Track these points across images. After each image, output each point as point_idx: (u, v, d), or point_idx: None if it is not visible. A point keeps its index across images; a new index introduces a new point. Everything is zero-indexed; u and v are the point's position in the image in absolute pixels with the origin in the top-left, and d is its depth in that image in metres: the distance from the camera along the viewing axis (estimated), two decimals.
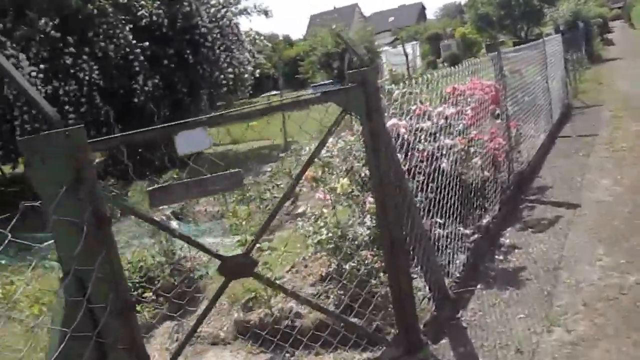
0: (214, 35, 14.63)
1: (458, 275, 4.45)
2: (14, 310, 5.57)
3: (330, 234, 4.24)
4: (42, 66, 11.14)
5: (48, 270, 7.29)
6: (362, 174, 4.92)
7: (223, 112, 3.06)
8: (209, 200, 8.52)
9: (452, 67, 5.59)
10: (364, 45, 30.19)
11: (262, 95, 37.38)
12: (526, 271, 4.56)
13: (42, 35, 11.07)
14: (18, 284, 6.64)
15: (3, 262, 7.82)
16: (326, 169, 4.43)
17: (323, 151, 4.51)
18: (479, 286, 4.48)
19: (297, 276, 4.99)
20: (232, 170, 3.08)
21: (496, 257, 5.00)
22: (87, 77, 11.85)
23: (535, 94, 8.82)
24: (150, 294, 4.92)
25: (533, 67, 9.03)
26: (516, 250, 5.05)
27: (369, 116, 3.13)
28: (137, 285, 5.01)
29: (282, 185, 7.93)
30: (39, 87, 11.00)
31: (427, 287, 4.00)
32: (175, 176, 9.04)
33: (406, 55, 23.92)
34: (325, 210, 4.66)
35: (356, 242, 4.18)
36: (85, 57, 11.81)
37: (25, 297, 5.86)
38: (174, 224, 5.49)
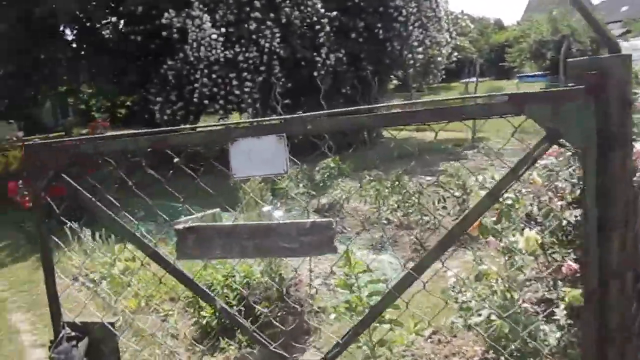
0: (410, 9, 13.10)
1: None
2: (114, 297, 4.95)
3: (492, 321, 2.67)
4: (223, 29, 10.78)
5: None
6: (565, 222, 3.23)
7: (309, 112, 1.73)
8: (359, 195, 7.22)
9: None
10: (588, 36, 26.04)
11: (461, 81, 34.92)
12: None
13: None
14: (138, 262, 6.14)
15: (143, 229, 7.47)
16: (503, 214, 2.82)
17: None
18: None
19: (437, 350, 3.49)
20: (320, 220, 1.73)
21: None
22: (268, 45, 11.27)
23: None
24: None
25: None
26: None
27: (603, 155, 1.51)
28: (235, 310, 3.94)
29: (452, 196, 6.31)
30: (219, 51, 10.68)
31: None
32: (332, 165, 7.94)
33: None
34: (493, 268, 3.07)
35: (536, 343, 2.54)
36: (269, 23, 11.21)
37: (138, 281, 5.25)
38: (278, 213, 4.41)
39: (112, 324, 1.98)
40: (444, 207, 6.19)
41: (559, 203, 3.42)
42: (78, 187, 1.97)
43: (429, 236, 5.92)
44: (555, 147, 3.08)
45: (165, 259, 1.93)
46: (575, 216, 3.25)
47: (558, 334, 2.46)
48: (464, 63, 32.78)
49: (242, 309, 3.98)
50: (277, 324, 2.92)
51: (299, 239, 1.72)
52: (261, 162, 1.74)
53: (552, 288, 3.47)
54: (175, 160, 1.84)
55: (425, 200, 6.14)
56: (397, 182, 6.80)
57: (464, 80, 34.65)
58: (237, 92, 11.39)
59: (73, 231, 5.88)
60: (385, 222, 6.65)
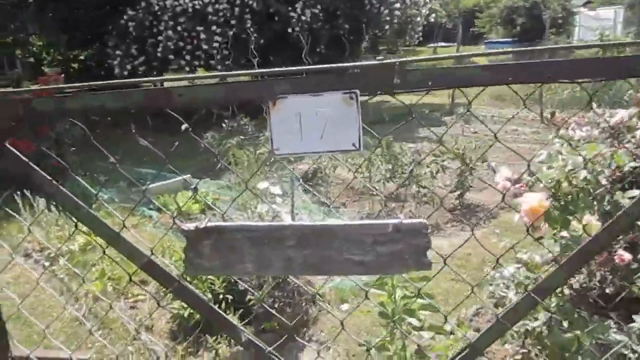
0: None
1: None
2: (73, 279, 4.28)
3: (546, 327, 2.19)
4: None
5: (145, 220, 6.06)
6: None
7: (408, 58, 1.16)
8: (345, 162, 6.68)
9: None
10: (559, 3, 25.82)
11: (429, 45, 34.32)
12: None
13: None
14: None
15: (106, 196, 6.77)
16: (573, 199, 2.31)
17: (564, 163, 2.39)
18: None
19: None
20: (408, 222, 1.16)
21: None
22: None
23: None
24: (233, 314, 3.27)
25: None
26: None
27: None
28: (221, 298, 3.37)
29: (449, 167, 5.84)
30: (186, 1, 9.78)
31: None
32: None
33: None
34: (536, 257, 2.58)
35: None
36: None
37: (102, 261, 4.57)
38: (276, 190, 3.91)
39: None
40: (434, 178, 5.75)
41: (604, 182, 2.97)
42: (28, 161, 1.34)
43: (430, 210, 5.45)
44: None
45: (167, 274, 1.32)
46: (630, 198, 2.80)
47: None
48: (432, 27, 32.16)
49: (230, 296, 3.44)
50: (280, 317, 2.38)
51: (375, 249, 1.14)
52: (319, 133, 1.14)
53: (600, 282, 3.03)
54: (184, 126, 1.24)
55: (424, 171, 5.63)
56: (386, 149, 6.26)
57: (431, 45, 34.09)
58: (205, 46, 10.52)
59: (25, 198, 5.14)
60: (373, 192, 6.13)
